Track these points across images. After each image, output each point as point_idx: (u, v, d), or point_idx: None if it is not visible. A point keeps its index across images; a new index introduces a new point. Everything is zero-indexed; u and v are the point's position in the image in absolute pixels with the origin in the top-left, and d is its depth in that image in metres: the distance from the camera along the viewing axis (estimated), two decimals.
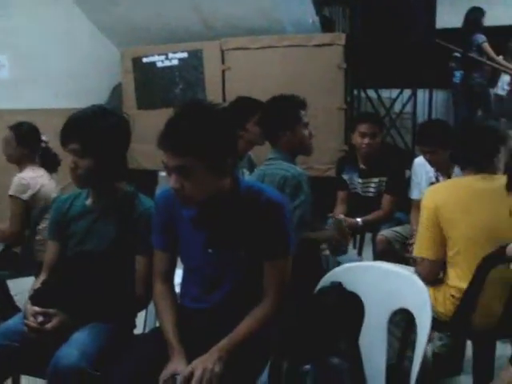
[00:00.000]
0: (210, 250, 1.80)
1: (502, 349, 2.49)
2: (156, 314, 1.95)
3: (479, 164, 2.35)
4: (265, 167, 2.63)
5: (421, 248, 2.37)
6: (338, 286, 1.82)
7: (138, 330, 2.19)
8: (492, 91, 6.29)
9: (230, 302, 1.80)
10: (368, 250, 4.02)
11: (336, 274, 1.92)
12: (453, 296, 2.27)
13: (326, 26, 5.81)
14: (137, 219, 1.98)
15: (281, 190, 2.41)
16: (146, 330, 2.31)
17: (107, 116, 1.96)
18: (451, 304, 2.26)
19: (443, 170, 3.31)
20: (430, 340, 2.21)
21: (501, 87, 6.14)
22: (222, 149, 1.68)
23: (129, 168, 2.15)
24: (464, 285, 2.22)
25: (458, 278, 2.26)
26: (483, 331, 2.27)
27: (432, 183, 3.46)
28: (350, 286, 1.82)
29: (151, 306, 2.06)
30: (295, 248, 1.83)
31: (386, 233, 3.42)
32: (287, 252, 1.81)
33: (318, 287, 1.90)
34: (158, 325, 1.92)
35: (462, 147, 2.44)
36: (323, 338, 1.73)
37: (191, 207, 1.77)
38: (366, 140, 3.62)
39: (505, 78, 6.10)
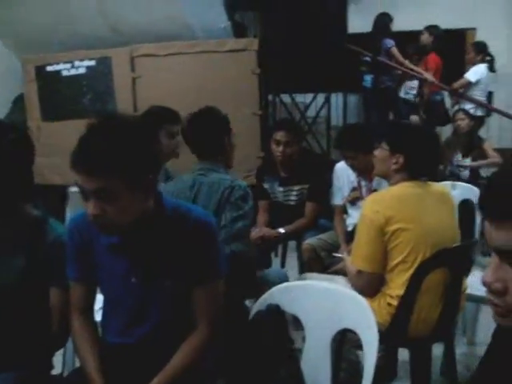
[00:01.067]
0: (133, 280, 1.63)
1: (434, 349, 2.48)
2: (75, 352, 1.75)
3: (431, 172, 2.34)
4: (199, 176, 2.47)
5: (359, 260, 2.29)
6: (274, 309, 1.70)
7: (56, 370, 1.97)
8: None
9: (158, 336, 1.63)
10: (292, 258, 3.96)
11: (273, 296, 1.80)
12: (389, 304, 2.22)
13: (238, 31, 5.73)
14: (48, 248, 1.74)
15: (226, 199, 2.35)
16: (65, 370, 2.09)
17: (4, 132, 1.70)
18: (387, 313, 2.21)
19: (365, 174, 3.30)
20: None
21: (404, 91, 6.30)
22: (143, 165, 1.51)
23: (35, 184, 1.89)
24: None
25: (399, 287, 2.20)
26: (419, 339, 2.25)
27: (354, 188, 3.46)
28: (288, 307, 1.71)
29: (70, 343, 1.85)
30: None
31: (311, 241, 3.37)
32: (219, 274, 1.68)
33: (254, 311, 1.77)
34: (78, 364, 1.73)
35: (423, 154, 2.32)
36: (263, 365, 1.61)
37: (112, 234, 1.59)
38: (281, 148, 3.57)
39: (408, 83, 6.25)
